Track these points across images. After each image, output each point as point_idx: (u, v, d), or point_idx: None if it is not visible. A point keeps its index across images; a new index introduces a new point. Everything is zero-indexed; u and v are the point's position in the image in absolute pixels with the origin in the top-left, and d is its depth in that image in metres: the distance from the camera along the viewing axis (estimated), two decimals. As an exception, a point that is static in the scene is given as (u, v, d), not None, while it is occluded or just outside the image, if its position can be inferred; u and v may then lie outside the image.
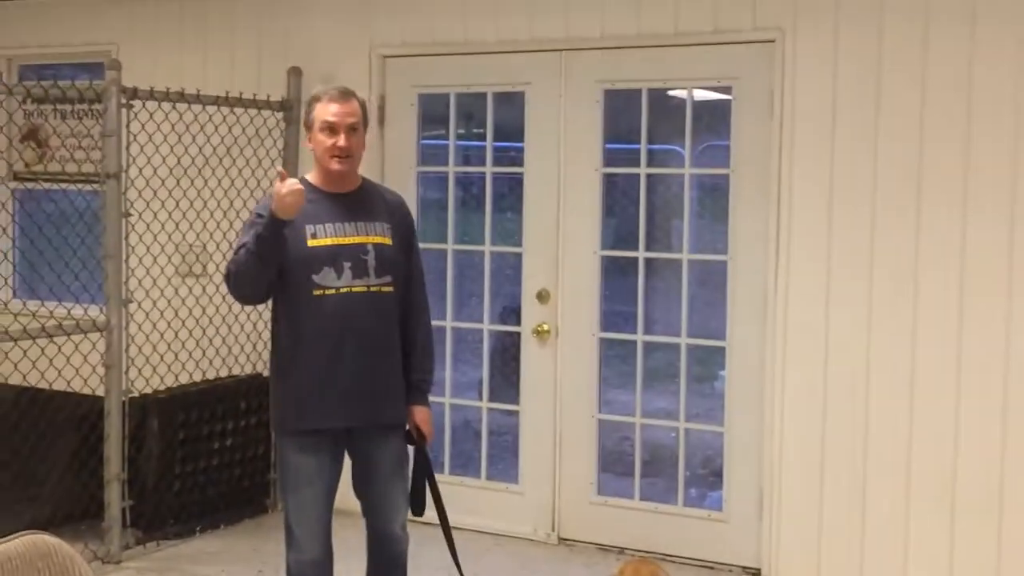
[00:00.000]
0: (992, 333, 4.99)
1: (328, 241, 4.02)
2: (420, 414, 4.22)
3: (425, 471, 4.26)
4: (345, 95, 4.10)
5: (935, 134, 5.06)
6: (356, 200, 4.13)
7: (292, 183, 3.89)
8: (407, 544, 4.30)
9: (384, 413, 4.12)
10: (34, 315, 5.85)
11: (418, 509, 4.25)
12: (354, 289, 4.01)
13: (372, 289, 4.04)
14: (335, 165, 4.05)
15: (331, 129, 4.04)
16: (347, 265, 4.01)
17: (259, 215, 4.02)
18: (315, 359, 4.01)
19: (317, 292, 3.99)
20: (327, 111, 4.05)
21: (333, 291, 3.99)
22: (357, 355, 4.02)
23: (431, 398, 5.41)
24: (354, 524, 4.30)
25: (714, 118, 5.85)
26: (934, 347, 5.10)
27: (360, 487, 4.22)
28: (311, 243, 4.00)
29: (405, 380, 4.19)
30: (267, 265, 3.96)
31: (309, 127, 4.11)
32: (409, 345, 4.21)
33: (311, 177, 4.16)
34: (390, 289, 4.09)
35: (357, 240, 4.05)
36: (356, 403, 4.05)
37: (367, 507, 4.24)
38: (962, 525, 5.07)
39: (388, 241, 4.11)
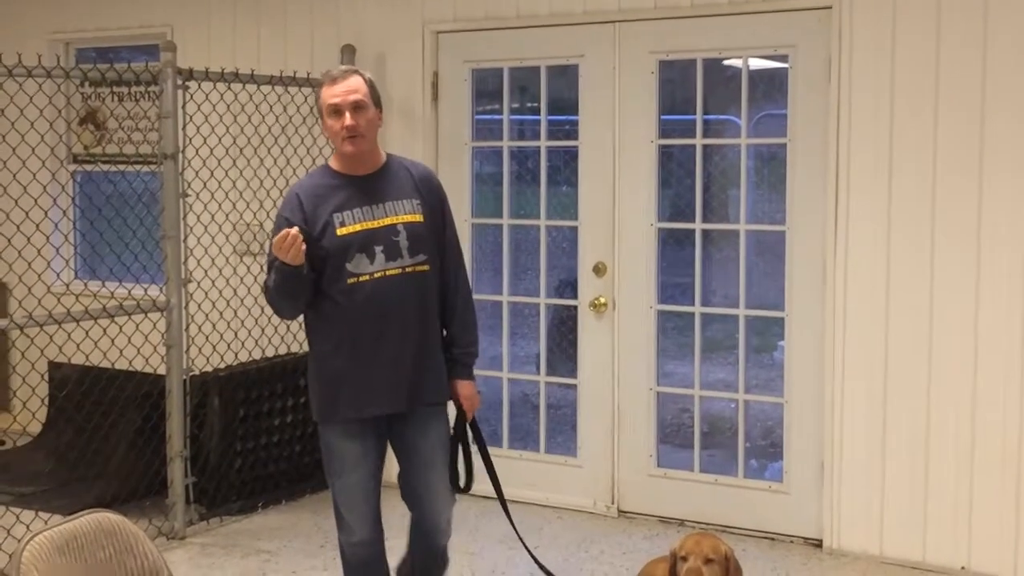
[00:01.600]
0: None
1: (357, 227, 3.93)
2: (464, 388, 4.15)
3: (472, 443, 4.20)
4: (346, 74, 4.00)
5: (996, 100, 4.97)
6: (381, 180, 4.03)
7: (287, 237, 3.76)
8: (449, 537, 4.25)
9: (425, 395, 4.04)
10: (95, 296, 5.93)
11: (465, 485, 4.20)
12: (388, 272, 3.93)
13: (407, 270, 3.96)
14: (347, 147, 3.95)
15: (336, 111, 3.93)
16: (379, 249, 3.92)
17: (286, 220, 3.93)
18: (353, 347, 3.95)
19: (351, 280, 3.91)
20: (330, 94, 3.95)
21: (367, 277, 3.91)
22: (396, 340, 3.95)
23: (489, 372, 5.39)
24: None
25: (770, 87, 5.79)
26: (997, 314, 5.03)
27: (403, 477, 4.16)
28: (340, 232, 3.92)
29: (446, 356, 4.13)
30: (297, 296, 3.94)
31: (321, 114, 4.03)
32: (448, 319, 4.13)
33: (332, 163, 4.08)
34: (426, 268, 4.01)
35: (386, 222, 3.96)
36: (396, 389, 3.98)
37: (412, 499, 4.17)
38: (1028, 495, 5.01)
39: (419, 218, 4.01)
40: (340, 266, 3.92)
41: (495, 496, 4.27)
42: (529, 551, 4.34)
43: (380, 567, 4.21)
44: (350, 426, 4.01)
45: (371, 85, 4.03)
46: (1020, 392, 5.01)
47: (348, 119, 3.91)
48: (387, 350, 3.95)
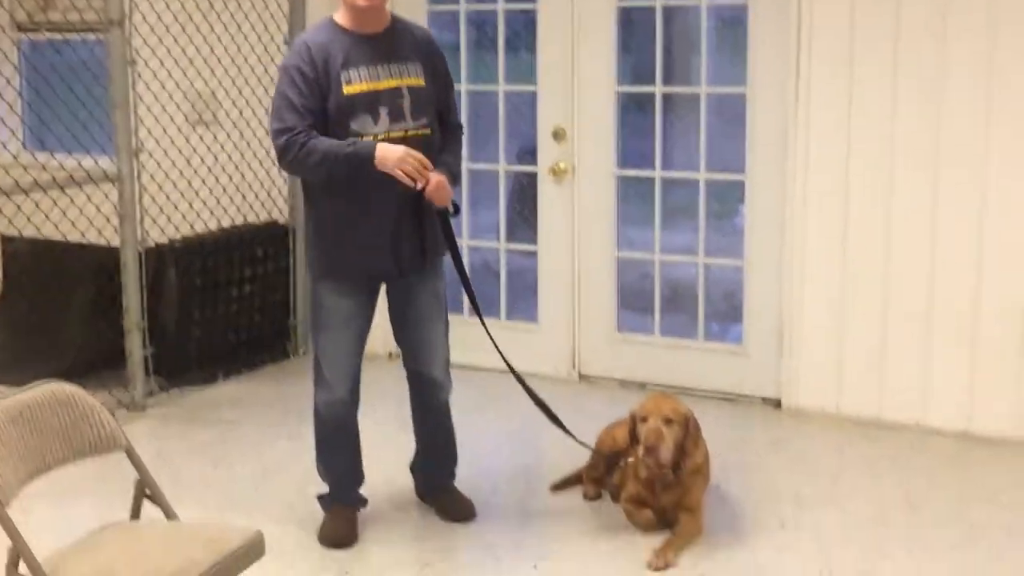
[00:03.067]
0: (1019, 164, 4.90)
1: (364, 87, 3.91)
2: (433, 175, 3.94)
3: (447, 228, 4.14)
4: None
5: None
6: (387, 41, 3.99)
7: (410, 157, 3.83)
8: (449, 391, 4.34)
9: (424, 256, 4.09)
10: (44, 167, 5.79)
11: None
12: (392, 135, 3.93)
13: (410, 134, 3.96)
14: (363, 3, 3.90)
15: None
16: (383, 111, 3.92)
17: (297, 69, 3.87)
18: (355, 207, 3.95)
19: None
20: None
21: (371, 138, 3.91)
22: (398, 201, 3.95)
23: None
24: (381, 367, 4.32)
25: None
26: (958, 179, 5.02)
27: (398, 332, 4.24)
28: (347, 90, 3.89)
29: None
30: (342, 183, 3.92)
31: None
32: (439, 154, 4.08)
33: (339, 18, 3.99)
34: (427, 131, 4.01)
35: (392, 84, 3.95)
36: (395, 249, 4.02)
37: (406, 352, 4.26)
38: (983, 354, 5.06)
39: (421, 82, 4.01)
40: (344, 125, 3.90)
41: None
42: (504, 359, 4.33)
43: (353, 429, 4.27)
44: (343, 284, 4.05)
45: None
46: (976, 254, 5.02)
47: None
48: (389, 211, 3.96)
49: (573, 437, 4.36)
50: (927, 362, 5.17)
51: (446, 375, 4.31)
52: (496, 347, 4.31)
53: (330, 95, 3.88)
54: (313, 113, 3.88)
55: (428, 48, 4.10)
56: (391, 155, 3.83)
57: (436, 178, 3.93)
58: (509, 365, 4.32)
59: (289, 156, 3.88)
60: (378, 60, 3.94)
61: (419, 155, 3.86)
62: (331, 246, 4.04)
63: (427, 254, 4.10)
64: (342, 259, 4.03)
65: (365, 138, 3.90)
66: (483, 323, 4.31)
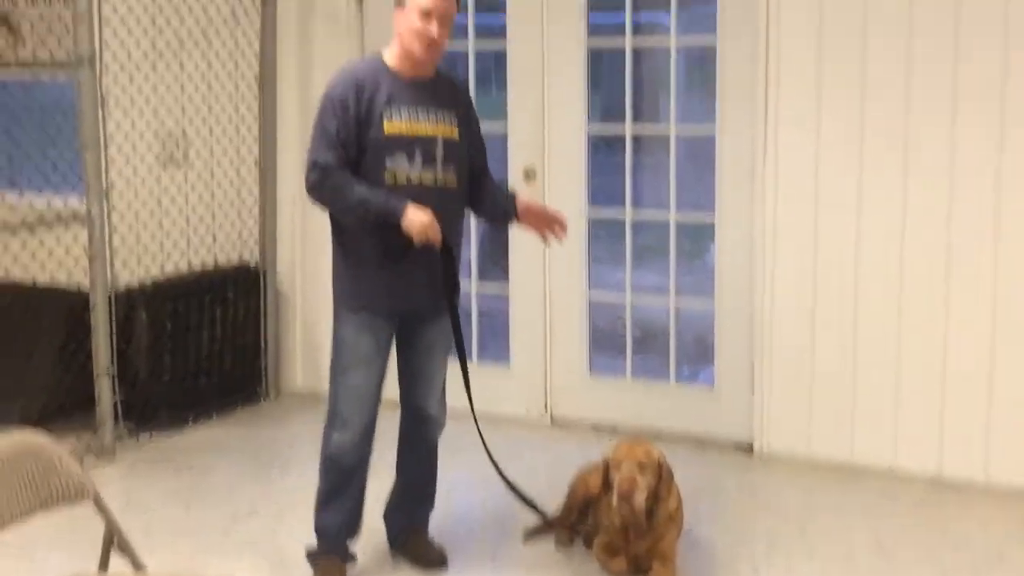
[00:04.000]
0: (983, 195, 4.95)
1: (404, 127, 3.97)
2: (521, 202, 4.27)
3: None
4: None
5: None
6: (431, 89, 4.06)
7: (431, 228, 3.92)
8: (441, 429, 4.34)
9: (449, 295, 4.12)
10: (13, 208, 5.75)
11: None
12: (424, 179, 4.00)
13: (439, 182, 4.03)
14: (421, 52, 3.96)
15: (427, 15, 3.92)
16: (418, 154, 3.99)
17: (340, 101, 3.92)
18: (387, 242, 3.97)
19: (389, 177, 3.96)
20: None
21: (404, 179, 3.97)
22: (425, 245, 3.99)
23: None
24: (394, 414, 4.30)
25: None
26: (925, 219, 5.06)
27: (402, 362, 4.23)
28: (387, 128, 3.95)
29: (491, 211, 4.34)
30: (363, 226, 4.00)
31: (401, 4, 3.98)
32: (484, 193, 4.25)
33: (389, 58, 4.05)
34: (455, 184, 4.08)
35: (429, 131, 4.01)
36: (420, 291, 4.06)
37: (405, 385, 4.25)
38: (952, 399, 5.08)
39: (455, 134, 4.09)
40: (380, 160, 3.96)
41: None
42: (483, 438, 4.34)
43: (363, 474, 4.21)
44: (365, 318, 4.06)
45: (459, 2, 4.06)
46: (944, 295, 5.05)
47: (435, 30, 3.93)
48: (415, 252, 3.98)
49: (544, 516, 4.44)
50: (897, 407, 5.19)
51: (441, 411, 4.31)
52: (474, 414, 4.31)
53: (370, 130, 3.94)
54: (349, 147, 3.94)
55: (463, 97, 4.20)
56: (418, 220, 3.90)
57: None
58: (480, 429, 4.33)
59: (320, 192, 3.98)
60: (419, 104, 4.01)
61: (438, 230, 3.93)
62: (365, 281, 4.06)
63: (453, 292, 4.14)
64: (376, 295, 4.05)
65: (399, 177, 3.96)
66: (466, 378, 4.30)
